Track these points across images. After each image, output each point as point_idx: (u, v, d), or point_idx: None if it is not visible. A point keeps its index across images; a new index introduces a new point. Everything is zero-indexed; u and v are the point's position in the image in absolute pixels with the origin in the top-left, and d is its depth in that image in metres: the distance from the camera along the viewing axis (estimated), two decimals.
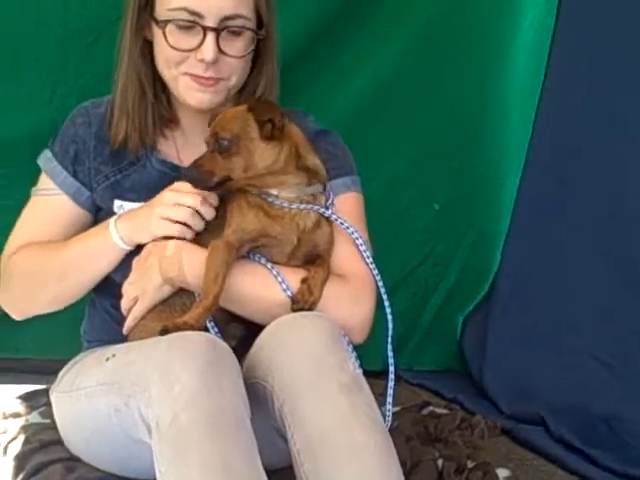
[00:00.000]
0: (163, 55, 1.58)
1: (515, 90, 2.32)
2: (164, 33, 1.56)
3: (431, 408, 2.13)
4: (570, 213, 2.32)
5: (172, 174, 1.67)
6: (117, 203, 1.66)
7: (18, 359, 2.31)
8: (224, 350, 1.42)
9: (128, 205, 1.64)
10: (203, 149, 1.57)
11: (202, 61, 1.55)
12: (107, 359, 1.54)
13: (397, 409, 2.10)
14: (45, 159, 1.70)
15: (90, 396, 1.54)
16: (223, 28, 1.54)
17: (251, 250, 1.54)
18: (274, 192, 1.53)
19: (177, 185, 1.57)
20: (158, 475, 1.32)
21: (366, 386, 1.45)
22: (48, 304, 1.73)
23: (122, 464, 1.57)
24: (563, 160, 2.33)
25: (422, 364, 2.49)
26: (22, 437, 1.79)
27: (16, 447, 1.75)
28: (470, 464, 1.81)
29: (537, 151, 2.34)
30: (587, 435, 1.99)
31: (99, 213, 1.71)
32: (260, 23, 1.62)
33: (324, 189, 1.59)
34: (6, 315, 1.74)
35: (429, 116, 2.32)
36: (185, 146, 1.71)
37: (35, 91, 2.08)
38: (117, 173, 1.68)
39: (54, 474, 1.61)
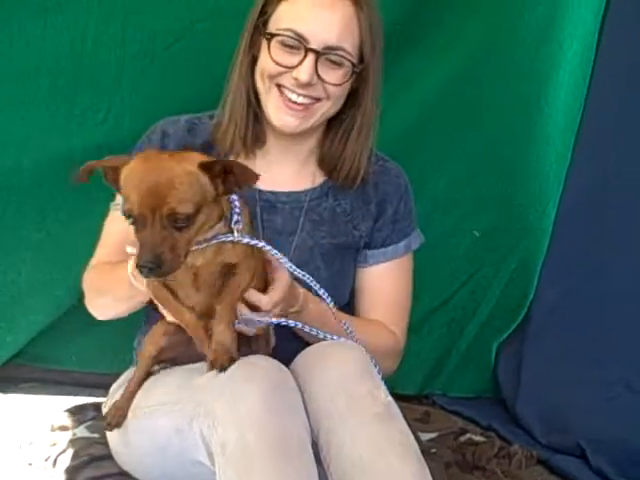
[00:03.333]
0: (262, 67, 1.64)
1: (556, 120, 2.34)
2: (269, 46, 1.62)
3: (468, 435, 2.16)
4: (607, 242, 2.33)
5: (245, 196, 1.66)
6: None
7: (62, 371, 2.35)
8: (287, 375, 1.47)
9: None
10: (279, 175, 1.64)
11: (297, 80, 1.60)
12: (170, 378, 1.58)
13: (434, 435, 2.14)
14: None
15: (150, 415, 1.57)
16: (324, 53, 1.60)
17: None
18: None
19: None
20: None
21: (399, 414, 1.49)
22: (108, 315, 1.78)
23: None
24: (600, 188, 2.35)
25: (457, 390, 2.50)
26: (71, 451, 1.83)
27: (65, 460, 1.79)
28: None
29: (574, 179, 2.36)
30: (625, 468, 1.99)
31: None
32: (362, 61, 1.66)
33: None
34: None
35: (471, 143, 2.35)
36: (263, 167, 1.72)
37: (90, 111, 2.12)
38: None
39: None
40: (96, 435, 1.87)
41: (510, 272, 2.45)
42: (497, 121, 2.35)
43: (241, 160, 1.72)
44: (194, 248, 1.39)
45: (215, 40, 2.05)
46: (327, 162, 1.76)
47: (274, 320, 1.54)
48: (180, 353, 1.61)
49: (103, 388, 1.91)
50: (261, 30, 1.65)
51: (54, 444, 1.89)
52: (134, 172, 1.31)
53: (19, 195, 2.16)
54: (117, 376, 1.83)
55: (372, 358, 1.54)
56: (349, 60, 1.62)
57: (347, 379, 1.47)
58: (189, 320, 1.49)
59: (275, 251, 1.54)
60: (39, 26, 2.04)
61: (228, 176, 1.35)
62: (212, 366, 1.42)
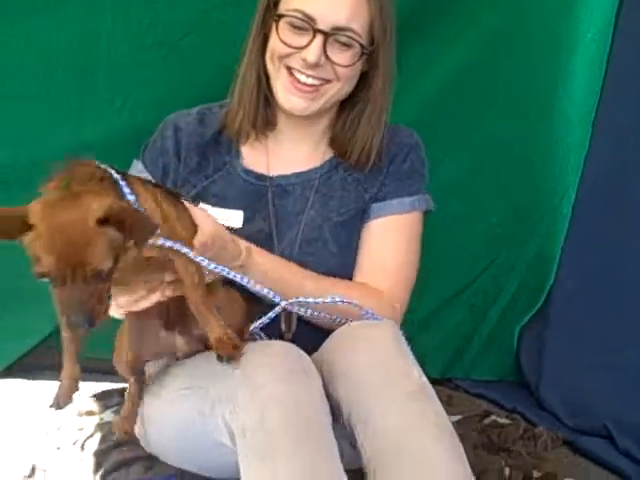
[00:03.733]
0: (272, 48, 1.63)
1: (574, 105, 2.33)
2: (277, 27, 1.61)
3: (493, 417, 2.16)
4: (625, 226, 2.31)
5: (257, 183, 1.71)
6: (200, 206, 1.67)
7: (87, 358, 2.36)
8: (306, 360, 1.47)
9: (211, 210, 1.67)
10: (291, 157, 1.62)
11: (305, 61, 1.59)
12: (194, 363, 1.58)
13: (458, 418, 2.14)
14: (137, 171, 1.74)
15: (173, 400, 1.59)
16: (332, 34, 1.58)
17: None
18: None
19: None
20: (243, 477, 1.35)
21: (433, 393, 1.48)
22: None
23: (201, 464, 1.61)
24: (619, 172, 2.33)
25: (479, 374, 2.50)
26: (98, 435, 1.85)
27: (93, 444, 1.82)
28: (536, 474, 1.84)
29: (593, 164, 2.34)
30: None
31: None
32: (372, 43, 1.64)
33: None
34: None
35: (489, 128, 2.33)
36: (275, 150, 1.74)
37: (105, 102, 2.12)
38: (204, 180, 1.72)
39: (133, 471, 1.66)
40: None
41: (531, 256, 2.44)
42: (515, 107, 2.33)
43: (251, 143, 1.73)
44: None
45: (231, 30, 2.02)
46: (338, 143, 1.75)
47: (211, 266, 1.45)
48: (154, 343, 1.59)
49: None
50: (271, 11, 1.64)
51: (81, 429, 1.91)
52: (40, 231, 1.18)
53: (34, 189, 2.17)
54: None
55: (404, 335, 1.53)
56: (358, 41, 1.61)
57: (381, 358, 1.47)
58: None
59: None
60: (53, 17, 2.04)
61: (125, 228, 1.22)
62: (220, 359, 1.43)
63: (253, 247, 1.62)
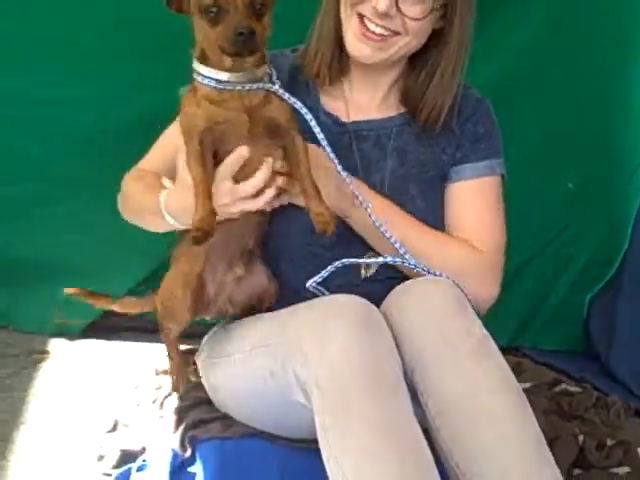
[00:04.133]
0: None
1: None
2: None
3: (564, 386, 2.15)
4: None
5: (335, 127, 1.71)
6: None
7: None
8: (377, 315, 1.47)
9: None
10: (364, 105, 1.64)
11: (375, 9, 1.56)
12: (260, 323, 1.60)
13: (528, 385, 2.14)
14: None
15: (244, 360, 1.61)
16: None
17: (213, 141, 1.50)
18: (224, 77, 1.47)
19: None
20: (319, 430, 1.37)
21: (495, 348, 1.48)
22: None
23: (276, 423, 1.64)
24: None
25: (547, 343, 2.49)
26: (176, 394, 1.90)
27: (172, 403, 1.86)
28: (610, 442, 1.83)
29: None
30: None
31: None
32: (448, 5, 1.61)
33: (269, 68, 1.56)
34: None
35: (567, 95, 2.30)
36: (350, 96, 1.74)
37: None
38: None
39: (212, 429, 1.70)
40: (199, 379, 1.93)
41: (604, 226, 2.41)
42: (592, 73, 2.29)
43: (327, 88, 1.72)
44: (238, 87, 1.47)
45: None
46: (409, 99, 1.73)
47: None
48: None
49: (197, 337, 1.97)
50: None
51: (159, 387, 1.96)
52: None
53: (112, 148, 2.22)
54: (209, 326, 1.85)
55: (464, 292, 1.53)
56: None
57: (439, 316, 1.47)
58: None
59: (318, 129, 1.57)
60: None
61: None
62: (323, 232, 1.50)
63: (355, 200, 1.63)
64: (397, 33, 1.60)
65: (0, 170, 2.27)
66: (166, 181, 1.64)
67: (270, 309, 1.68)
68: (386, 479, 1.29)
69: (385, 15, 1.56)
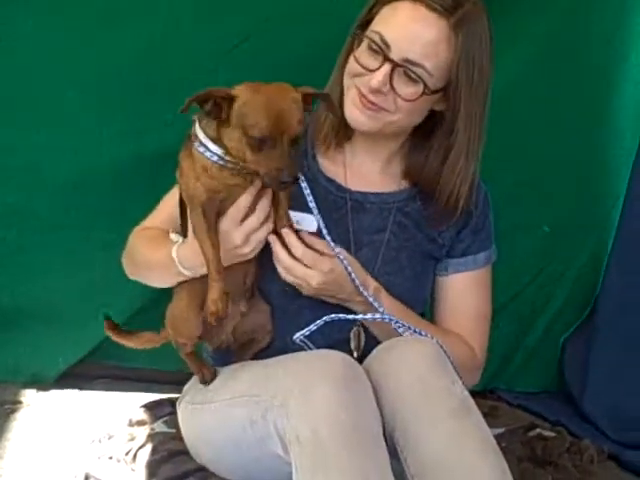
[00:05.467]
0: (349, 64, 1.66)
1: (626, 114, 2.32)
2: (358, 45, 1.63)
3: (538, 430, 2.15)
4: None
5: (336, 193, 1.75)
6: None
7: (135, 369, 2.40)
8: (359, 370, 1.49)
9: (293, 214, 1.68)
10: (366, 175, 1.69)
11: (369, 84, 1.60)
12: (243, 373, 1.62)
13: (502, 430, 2.14)
14: None
15: (225, 408, 1.62)
16: (401, 66, 1.58)
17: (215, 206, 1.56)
18: (232, 160, 1.54)
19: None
20: None
21: (475, 408, 1.50)
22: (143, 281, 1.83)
23: (252, 475, 1.64)
24: None
25: (522, 385, 2.51)
26: (150, 445, 1.87)
27: (145, 455, 1.84)
28: None
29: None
30: None
31: None
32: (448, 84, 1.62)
33: None
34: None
35: (541, 138, 2.32)
36: (351, 164, 1.77)
37: (160, 111, 2.14)
38: None
39: None
40: (174, 430, 1.90)
41: (580, 267, 2.44)
42: (566, 115, 2.32)
43: (331, 152, 1.77)
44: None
45: (284, 39, 2.08)
46: (412, 175, 1.76)
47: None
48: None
49: (175, 384, 1.97)
50: (361, 28, 1.66)
51: (133, 438, 1.94)
52: (255, 101, 1.47)
53: (94, 195, 2.23)
54: (190, 375, 1.85)
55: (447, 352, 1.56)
56: (424, 80, 1.58)
57: (422, 374, 1.49)
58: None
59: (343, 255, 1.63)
60: (106, 29, 2.09)
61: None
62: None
63: (382, 289, 1.70)
64: (388, 110, 1.63)
65: None
66: (174, 235, 1.68)
67: (256, 356, 1.71)
68: None
69: (378, 91, 1.60)
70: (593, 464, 1.98)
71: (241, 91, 1.49)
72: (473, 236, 1.81)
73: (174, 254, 1.62)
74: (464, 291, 1.82)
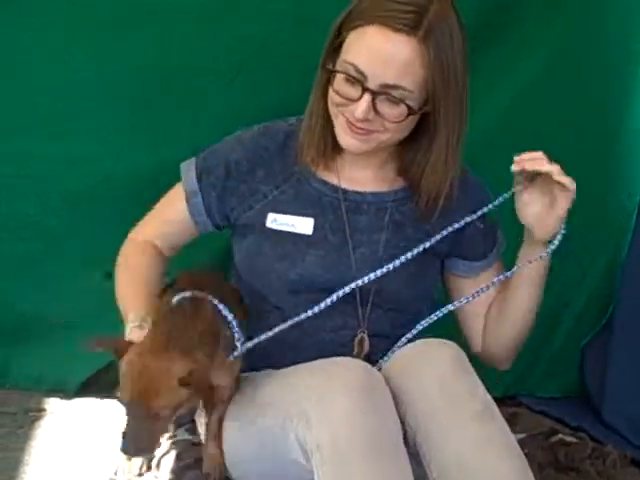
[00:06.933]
0: (330, 92, 1.65)
1: None
2: (333, 78, 1.62)
3: (560, 436, 2.15)
4: None
5: (331, 195, 1.75)
6: (271, 217, 1.73)
7: None
8: (378, 377, 1.50)
9: (281, 217, 1.72)
10: (360, 177, 1.72)
11: (353, 114, 1.59)
12: (261, 384, 1.63)
13: (523, 436, 2.14)
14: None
15: (245, 422, 1.63)
16: (382, 93, 1.56)
17: None
18: None
19: None
20: None
21: (498, 412, 1.51)
22: None
23: None
24: None
25: (544, 391, 2.50)
26: (173, 453, 1.89)
27: (169, 462, 1.86)
28: None
29: None
30: None
31: (251, 230, 1.76)
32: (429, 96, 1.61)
33: None
34: None
35: (562, 142, 2.25)
36: (344, 172, 1.77)
37: (175, 123, 2.21)
38: (274, 190, 1.75)
39: None
40: (196, 438, 1.93)
41: (600, 271, 2.43)
42: (583, 121, 2.32)
43: (321, 172, 1.76)
44: None
45: (297, 50, 2.10)
46: (406, 172, 1.76)
47: None
48: None
49: None
50: (333, 56, 1.64)
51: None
52: (130, 369, 1.42)
53: (111, 205, 2.26)
54: None
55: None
56: (405, 101, 1.57)
57: (444, 378, 1.50)
58: None
59: None
60: (122, 38, 2.13)
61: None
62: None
63: None
64: (378, 131, 1.63)
65: None
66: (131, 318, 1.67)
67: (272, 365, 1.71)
68: None
69: (364, 120, 1.59)
70: (616, 469, 1.97)
71: (131, 350, 1.44)
72: (482, 237, 1.81)
73: (126, 330, 1.64)
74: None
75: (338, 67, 1.61)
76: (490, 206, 1.71)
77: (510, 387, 2.48)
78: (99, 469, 1.92)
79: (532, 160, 1.62)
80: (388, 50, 1.55)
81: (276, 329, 1.61)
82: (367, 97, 1.57)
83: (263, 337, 1.60)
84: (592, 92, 2.30)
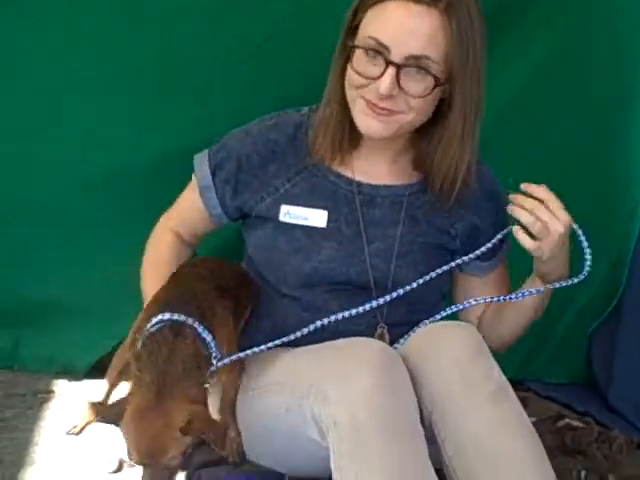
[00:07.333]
0: (348, 76, 1.63)
1: None
2: (353, 56, 1.60)
3: (567, 420, 2.16)
4: None
5: (345, 188, 1.74)
6: (284, 209, 1.73)
7: None
8: (396, 356, 1.52)
9: (294, 210, 1.72)
10: (375, 170, 1.69)
11: (377, 92, 1.56)
12: (279, 361, 1.63)
13: (532, 420, 2.10)
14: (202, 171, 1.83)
15: (259, 396, 1.64)
16: (406, 65, 1.54)
17: None
18: None
19: None
20: (335, 471, 1.41)
21: (512, 393, 1.52)
22: None
23: (287, 460, 1.67)
24: None
25: (551, 377, 2.50)
26: None
27: None
28: (612, 478, 1.84)
29: None
30: None
31: (264, 222, 1.76)
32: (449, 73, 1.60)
33: None
34: None
35: (565, 136, 2.32)
36: (359, 165, 1.77)
37: (184, 111, 2.21)
38: (286, 183, 1.75)
39: (221, 470, 1.72)
40: None
41: (609, 260, 2.41)
42: (590, 113, 2.30)
43: (335, 165, 1.75)
44: None
45: (304, 39, 2.09)
46: (422, 164, 1.75)
47: None
48: None
49: None
50: (350, 38, 1.62)
51: None
52: (131, 431, 1.42)
53: (125, 192, 2.27)
54: None
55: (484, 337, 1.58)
56: (432, 72, 1.56)
57: (460, 360, 1.51)
58: None
59: None
60: (137, 24, 2.13)
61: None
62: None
63: None
64: (402, 112, 1.61)
65: (8, 213, 2.31)
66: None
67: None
68: None
69: (388, 96, 1.57)
70: (622, 454, 1.98)
71: (126, 415, 1.43)
72: (494, 231, 1.78)
73: None
74: (494, 286, 1.86)
75: (358, 43, 1.59)
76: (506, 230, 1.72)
77: (517, 372, 2.48)
78: (108, 449, 1.93)
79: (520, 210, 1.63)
80: (411, 21, 1.54)
81: (270, 344, 1.59)
82: (391, 71, 1.54)
83: (257, 349, 1.59)
84: (594, 91, 2.28)
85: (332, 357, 1.51)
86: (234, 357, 1.56)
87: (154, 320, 1.49)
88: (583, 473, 1.84)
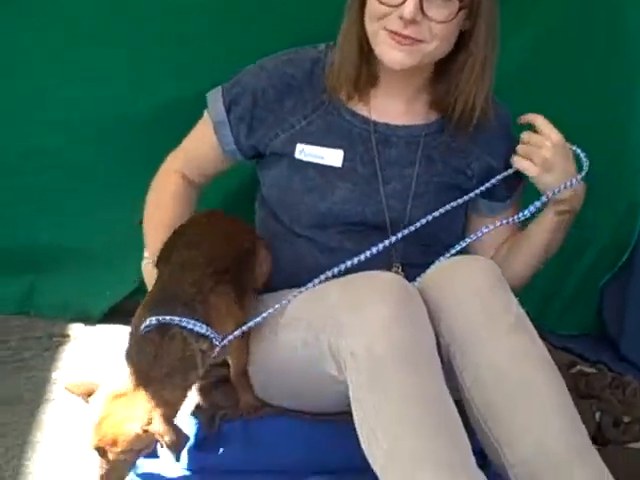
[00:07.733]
0: (369, 8, 1.61)
1: None
2: None
3: (579, 367, 2.17)
4: None
5: (361, 126, 1.73)
6: (299, 147, 1.72)
7: None
8: (412, 288, 1.51)
9: (309, 148, 1.71)
10: (392, 109, 1.69)
11: (401, 18, 1.55)
12: (293, 297, 1.62)
13: None
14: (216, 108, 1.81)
15: (276, 332, 1.63)
16: None
17: None
18: None
19: None
20: (353, 402, 1.41)
21: (530, 325, 1.53)
22: None
23: (303, 396, 1.66)
24: None
25: (563, 328, 2.50)
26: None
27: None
28: (626, 419, 1.86)
29: None
30: None
31: (279, 159, 1.75)
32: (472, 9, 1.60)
33: None
34: None
35: (583, 85, 2.31)
36: (376, 103, 1.76)
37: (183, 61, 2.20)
38: (302, 120, 1.74)
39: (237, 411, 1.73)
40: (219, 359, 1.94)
41: (621, 212, 2.42)
42: (606, 58, 2.30)
43: (352, 104, 1.74)
44: None
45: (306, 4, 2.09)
46: (439, 104, 1.74)
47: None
48: None
49: None
50: None
51: None
52: (95, 412, 1.42)
53: (129, 141, 2.28)
54: None
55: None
56: None
57: (481, 291, 1.51)
58: None
59: None
60: (126, 25, 2.15)
61: None
62: None
63: None
64: (425, 41, 1.59)
65: (19, 160, 2.32)
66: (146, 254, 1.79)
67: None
68: (422, 448, 1.32)
69: (412, 22, 1.55)
70: (636, 398, 1.99)
71: (97, 394, 1.45)
72: (509, 180, 1.77)
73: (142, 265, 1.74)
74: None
75: None
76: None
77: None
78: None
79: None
80: None
81: (264, 314, 1.58)
82: None
83: (257, 319, 1.58)
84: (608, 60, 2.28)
85: (348, 289, 1.51)
86: (237, 332, 1.56)
87: (144, 324, 1.47)
88: (598, 414, 1.85)
